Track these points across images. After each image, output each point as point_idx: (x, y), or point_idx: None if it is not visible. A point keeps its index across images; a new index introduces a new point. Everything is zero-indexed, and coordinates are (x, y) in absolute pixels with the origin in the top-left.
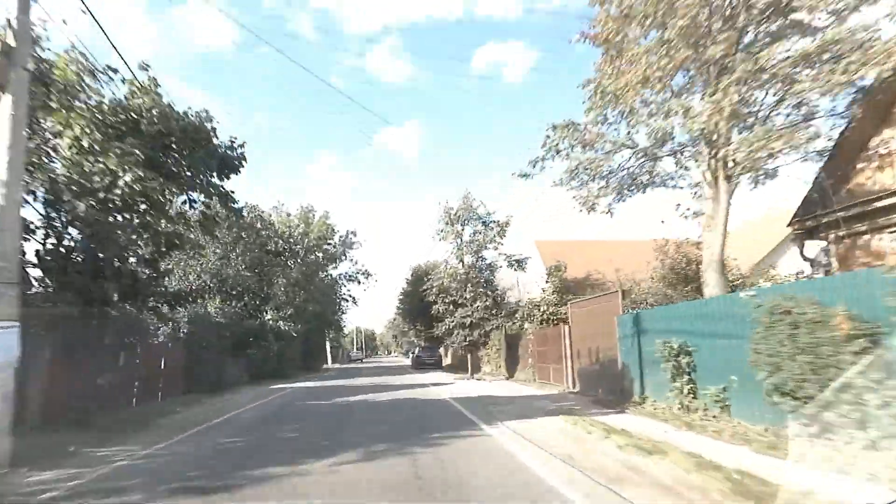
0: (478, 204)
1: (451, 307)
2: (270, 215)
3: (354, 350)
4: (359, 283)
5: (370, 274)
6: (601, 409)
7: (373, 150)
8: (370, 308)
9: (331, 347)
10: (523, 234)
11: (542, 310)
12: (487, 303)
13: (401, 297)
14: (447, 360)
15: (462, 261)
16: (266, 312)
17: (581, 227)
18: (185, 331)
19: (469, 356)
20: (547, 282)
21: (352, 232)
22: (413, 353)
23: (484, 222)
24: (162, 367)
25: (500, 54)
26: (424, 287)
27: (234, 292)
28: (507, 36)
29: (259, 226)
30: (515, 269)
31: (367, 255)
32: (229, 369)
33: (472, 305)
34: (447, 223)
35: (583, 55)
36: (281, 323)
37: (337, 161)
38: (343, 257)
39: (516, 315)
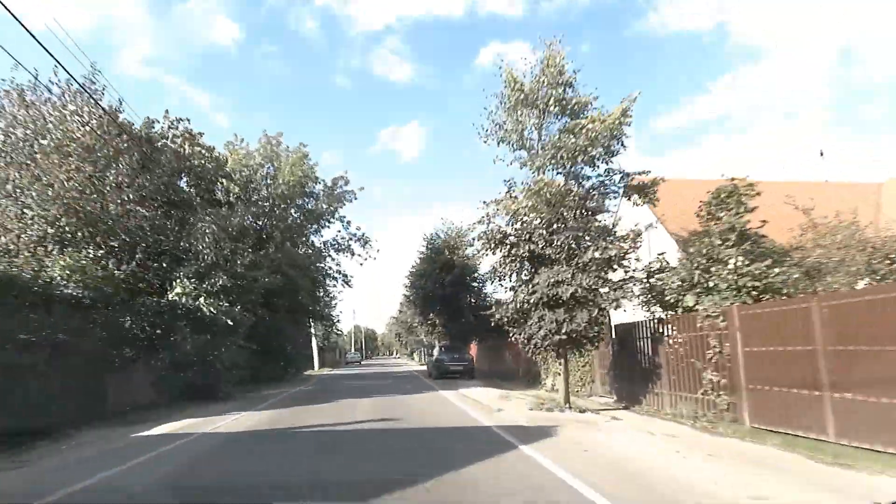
0: (570, 73)
1: (526, 265)
2: (227, 158)
3: (352, 351)
4: (352, 254)
5: (368, 241)
6: None
7: (375, 150)
8: (371, 307)
9: (319, 348)
10: None
11: (734, 265)
12: (610, 254)
13: (409, 278)
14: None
15: (542, 177)
16: (174, 283)
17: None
18: None
19: (563, 362)
20: (716, 225)
21: (342, 178)
22: (429, 354)
23: (569, 110)
24: None
25: (505, 54)
26: (467, 238)
27: (114, 244)
28: (510, 36)
29: (187, 149)
30: (638, 203)
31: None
32: (107, 388)
33: (570, 263)
34: (514, 105)
35: (587, 54)
36: (203, 301)
37: (339, 160)
38: (331, 219)
39: (655, 279)
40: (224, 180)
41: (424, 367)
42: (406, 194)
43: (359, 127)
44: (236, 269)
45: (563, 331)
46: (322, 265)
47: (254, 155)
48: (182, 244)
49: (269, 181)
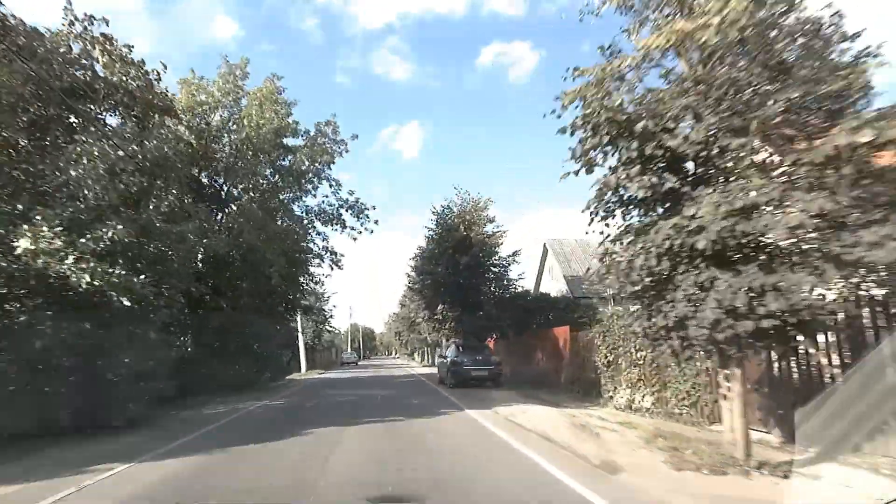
0: None
1: (668, 179)
2: (163, 83)
3: (348, 350)
4: (343, 226)
5: (364, 209)
6: None
7: (375, 150)
8: (370, 309)
9: (308, 347)
10: None
11: None
12: (888, 136)
13: (414, 261)
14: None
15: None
16: (23, 231)
17: None
18: None
19: (738, 373)
20: None
21: (329, 124)
22: (441, 356)
23: None
24: None
25: (506, 54)
26: (574, 120)
27: None
28: (512, 35)
29: (100, 58)
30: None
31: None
32: None
33: (767, 172)
34: None
35: (587, 55)
36: (73, 265)
37: (338, 161)
38: (315, 180)
39: None
40: (165, 116)
41: (429, 370)
42: (405, 194)
43: (359, 126)
44: (150, 219)
45: (764, 311)
46: (305, 242)
47: (211, 90)
48: (58, 178)
49: (231, 125)
